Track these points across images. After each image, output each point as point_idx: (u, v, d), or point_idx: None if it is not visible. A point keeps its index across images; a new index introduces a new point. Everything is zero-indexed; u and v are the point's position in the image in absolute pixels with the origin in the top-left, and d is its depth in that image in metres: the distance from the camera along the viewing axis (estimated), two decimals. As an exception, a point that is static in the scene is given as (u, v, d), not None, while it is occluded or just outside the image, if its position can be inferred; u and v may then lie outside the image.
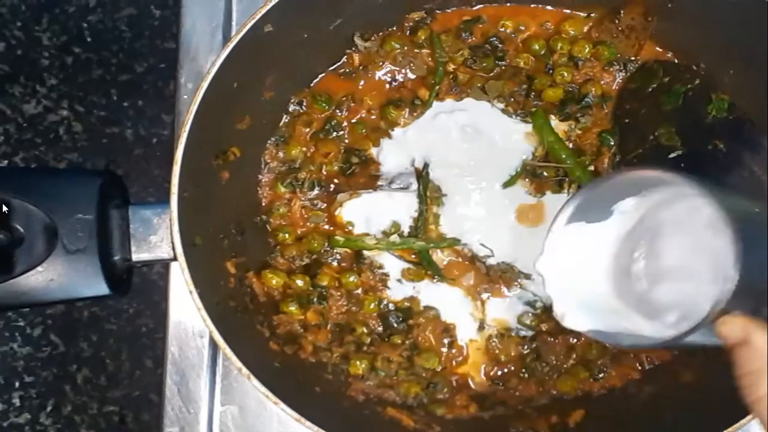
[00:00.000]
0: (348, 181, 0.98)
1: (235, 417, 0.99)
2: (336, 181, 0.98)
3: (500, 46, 0.99)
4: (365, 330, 0.95)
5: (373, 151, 0.99)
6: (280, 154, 0.98)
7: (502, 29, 0.99)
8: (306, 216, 0.98)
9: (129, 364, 1.07)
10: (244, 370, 0.81)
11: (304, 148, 0.99)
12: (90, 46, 1.11)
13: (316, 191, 0.98)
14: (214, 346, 0.99)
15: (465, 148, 0.96)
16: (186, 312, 0.99)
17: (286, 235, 0.97)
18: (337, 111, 0.99)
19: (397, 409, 0.93)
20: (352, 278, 0.95)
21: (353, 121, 0.99)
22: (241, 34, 0.84)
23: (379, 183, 0.97)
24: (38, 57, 1.11)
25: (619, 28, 0.97)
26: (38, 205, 0.80)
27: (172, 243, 0.82)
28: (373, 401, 0.93)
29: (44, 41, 1.11)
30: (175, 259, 0.82)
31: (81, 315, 1.02)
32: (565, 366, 0.95)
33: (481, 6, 0.99)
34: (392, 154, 0.98)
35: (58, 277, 0.81)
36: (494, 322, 0.96)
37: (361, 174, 0.98)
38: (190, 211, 0.83)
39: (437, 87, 0.97)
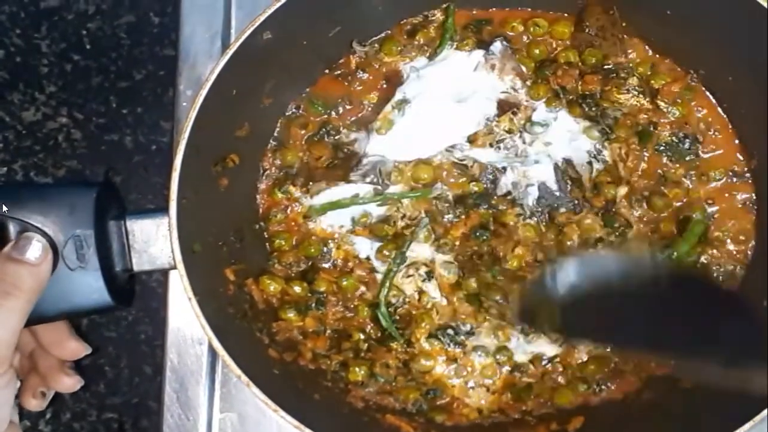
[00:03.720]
0: (326, 173, 0.98)
1: (234, 424, 0.99)
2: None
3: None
4: (362, 336, 0.95)
5: (358, 144, 0.99)
6: (278, 161, 0.98)
7: (511, 33, 1.00)
8: (302, 222, 0.98)
9: (128, 372, 1.07)
10: (244, 377, 0.81)
11: (300, 153, 0.99)
12: (89, 54, 1.11)
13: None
14: (213, 353, 0.99)
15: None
16: (185, 319, 0.99)
17: (283, 242, 0.97)
18: (333, 113, 0.99)
19: (396, 416, 0.92)
20: (348, 281, 0.95)
21: (348, 122, 1.00)
22: (240, 41, 0.84)
23: (353, 177, 0.97)
24: (37, 64, 1.11)
25: (592, 33, 0.97)
26: (36, 224, 0.79)
27: (172, 251, 0.81)
28: (372, 408, 0.93)
29: (43, 48, 1.11)
30: (175, 267, 0.81)
31: (80, 322, 1.02)
32: (559, 381, 0.95)
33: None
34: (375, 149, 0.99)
35: (63, 294, 0.80)
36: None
37: (341, 167, 0.98)
38: (189, 219, 0.83)
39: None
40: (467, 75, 0.98)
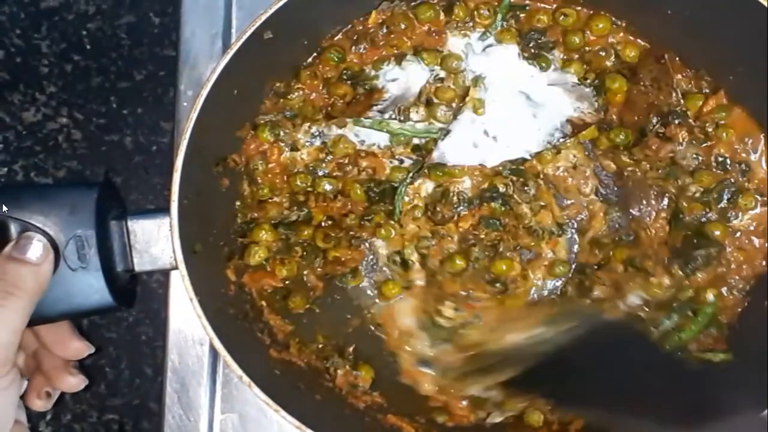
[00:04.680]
0: (347, 110, 0.95)
1: (235, 425, 0.99)
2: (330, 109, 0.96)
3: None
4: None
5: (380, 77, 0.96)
6: (280, 102, 0.95)
7: (539, 25, 0.96)
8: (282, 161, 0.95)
9: (128, 373, 1.07)
10: (245, 378, 0.81)
11: (303, 96, 0.95)
12: (89, 54, 1.11)
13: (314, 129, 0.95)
14: (214, 354, 0.99)
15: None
16: (186, 320, 0.99)
17: (266, 190, 0.95)
18: (352, 51, 0.95)
19: (397, 416, 0.92)
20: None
21: (371, 60, 0.96)
22: (241, 41, 0.84)
23: (371, 113, 0.94)
24: (37, 65, 1.11)
25: (647, 84, 0.94)
26: (37, 224, 0.79)
27: (173, 251, 0.81)
28: (373, 408, 0.93)
29: (43, 49, 1.11)
30: (176, 267, 0.81)
31: (80, 323, 1.02)
32: None
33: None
34: (398, 82, 0.96)
35: (64, 295, 0.80)
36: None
37: (361, 103, 0.95)
38: (191, 219, 0.82)
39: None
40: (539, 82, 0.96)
